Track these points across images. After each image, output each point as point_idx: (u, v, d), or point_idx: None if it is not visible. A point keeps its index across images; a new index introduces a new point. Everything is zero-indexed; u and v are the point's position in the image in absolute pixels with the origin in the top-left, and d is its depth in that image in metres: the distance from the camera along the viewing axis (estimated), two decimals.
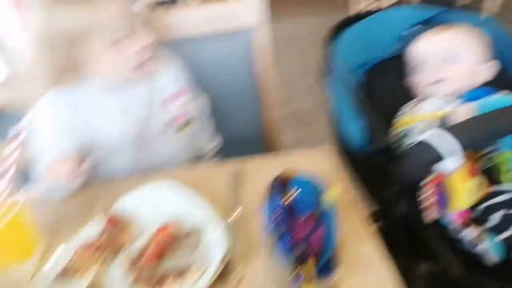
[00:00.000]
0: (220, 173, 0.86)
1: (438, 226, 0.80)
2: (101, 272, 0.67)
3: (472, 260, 0.76)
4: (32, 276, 0.66)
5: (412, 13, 1.07)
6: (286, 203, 0.63)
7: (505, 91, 0.91)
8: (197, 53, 1.11)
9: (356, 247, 0.67)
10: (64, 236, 0.74)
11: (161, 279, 0.63)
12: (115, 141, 0.94)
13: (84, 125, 0.93)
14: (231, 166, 0.87)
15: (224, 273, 0.64)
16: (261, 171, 0.83)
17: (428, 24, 1.04)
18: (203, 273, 0.63)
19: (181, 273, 0.63)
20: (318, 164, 0.83)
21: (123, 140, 0.95)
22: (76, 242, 0.72)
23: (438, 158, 0.72)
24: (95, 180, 0.90)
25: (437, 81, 0.94)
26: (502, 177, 0.82)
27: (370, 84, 1.06)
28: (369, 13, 1.12)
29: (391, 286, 0.61)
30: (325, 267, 0.59)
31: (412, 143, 0.84)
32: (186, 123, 1.00)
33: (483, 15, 1.15)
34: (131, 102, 0.94)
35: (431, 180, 0.78)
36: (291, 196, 0.65)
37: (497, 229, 0.76)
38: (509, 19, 2.40)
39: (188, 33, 1.09)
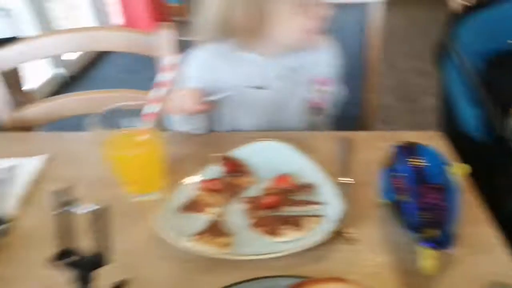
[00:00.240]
0: (332, 141, 0.88)
1: None
2: (221, 211, 0.72)
3: None
4: (159, 206, 0.72)
5: None
6: (415, 167, 0.64)
7: None
8: None
9: (474, 228, 0.67)
10: (186, 173, 0.79)
11: (278, 226, 0.66)
12: (246, 101, 0.98)
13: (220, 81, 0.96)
14: (342, 137, 0.89)
15: (337, 232, 0.66)
16: (371, 144, 0.85)
17: None
18: (317, 227, 0.66)
19: (297, 223, 0.66)
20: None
21: (255, 101, 0.98)
22: (198, 180, 0.77)
23: None
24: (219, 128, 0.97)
25: None
26: None
27: (488, 74, 1.02)
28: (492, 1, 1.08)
29: (510, 272, 0.61)
30: (445, 241, 0.60)
31: None
32: (318, 111, 1.02)
33: None
34: (277, 69, 0.96)
35: None
36: (420, 161, 0.65)
37: None
38: None
39: None
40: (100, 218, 0.47)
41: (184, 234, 0.66)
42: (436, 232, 0.57)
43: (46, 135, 1.06)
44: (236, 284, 0.59)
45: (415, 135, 0.90)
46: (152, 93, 0.72)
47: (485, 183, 0.89)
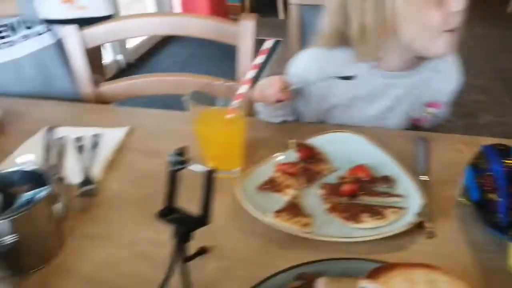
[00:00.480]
0: (407, 140, 0.89)
1: None
2: (297, 193, 0.74)
3: None
4: (238, 183, 0.75)
5: None
6: (510, 167, 0.63)
7: None
8: None
9: None
10: (263, 156, 0.82)
11: (356, 214, 0.68)
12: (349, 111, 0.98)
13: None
14: (418, 136, 0.89)
15: (417, 225, 0.67)
16: (448, 146, 0.85)
17: None
18: (399, 218, 0.67)
19: (378, 212, 0.67)
20: None
21: (358, 113, 0.98)
22: (275, 163, 0.79)
23: None
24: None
25: None
26: None
27: None
28: None
29: None
30: None
31: None
32: (417, 128, 1.00)
33: None
34: (398, 92, 0.93)
35: None
36: None
37: None
38: None
39: None
40: (208, 180, 0.50)
41: (264, 210, 0.69)
42: None
43: (126, 109, 1.12)
44: (314, 262, 0.60)
45: (497, 142, 0.89)
46: (248, 75, 0.75)
47: None
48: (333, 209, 0.70)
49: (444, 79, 0.95)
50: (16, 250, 0.61)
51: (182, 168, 0.51)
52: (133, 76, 1.27)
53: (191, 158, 0.52)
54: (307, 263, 0.60)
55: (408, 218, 0.66)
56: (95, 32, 1.18)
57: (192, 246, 0.58)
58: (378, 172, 0.77)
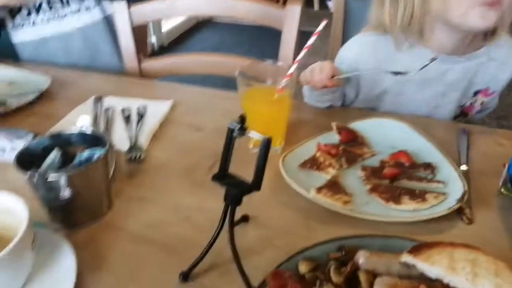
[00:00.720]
0: (448, 130, 0.90)
1: None
2: (338, 173, 0.76)
3: None
4: (280, 160, 0.77)
5: None
6: None
7: None
8: None
9: None
10: (304, 137, 0.84)
11: (397, 196, 0.69)
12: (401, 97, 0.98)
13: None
14: (460, 127, 0.90)
15: (457, 211, 0.68)
16: (490, 139, 0.85)
17: None
18: (439, 203, 0.68)
19: (419, 195, 0.69)
20: None
21: (410, 100, 0.97)
22: (316, 143, 0.81)
23: None
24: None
25: None
26: None
27: None
28: None
29: None
30: None
31: None
32: (465, 115, 1.01)
33: None
34: (449, 80, 0.92)
35: None
36: None
37: None
38: None
39: None
40: (265, 147, 0.52)
41: (305, 187, 0.71)
42: None
43: (169, 84, 1.16)
44: (354, 236, 0.62)
45: None
46: (300, 55, 0.77)
47: None
48: (374, 190, 0.71)
49: (499, 67, 0.94)
50: (71, 205, 0.65)
51: (242, 135, 0.53)
52: (175, 54, 1.31)
53: (246, 128, 0.55)
54: (348, 237, 0.62)
55: (448, 204, 0.67)
56: (143, 10, 1.21)
57: (236, 215, 0.61)
58: (420, 158, 0.78)
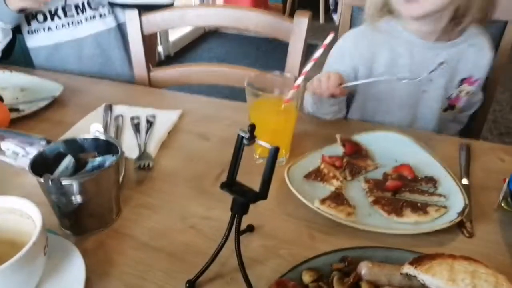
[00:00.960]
0: (450, 145, 0.91)
1: None
2: (341, 185, 0.77)
3: None
4: (285, 171, 0.79)
5: None
6: None
7: None
8: None
9: None
10: (308, 149, 0.86)
11: (399, 208, 0.71)
12: (386, 90, 1.03)
13: (370, 64, 1.03)
14: (462, 142, 0.92)
15: (457, 224, 0.69)
16: (491, 155, 0.87)
17: None
18: (440, 216, 0.69)
19: (421, 208, 0.70)
20: None
21: (395, 91, 1.02)
22: (320, 155, 0.83)
23: None
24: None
25: None
26: None
27: None
28: None
29: None
30: None
31: None
32: (452, 108, 1.05)
33: None
34: (431, 60, 0.98)
35: None
36: None
37: None
38: None
39: None
40: (272, 156, 0.54)
41: (309, 198, 0.72)
42: None
43: (178, 94, 1.18)
44: (357, 247, 0.64)
45: None
46: (306, 67, 0.79)
47: None
48: (377, 202, 0.73)
49: (478, 53, 1.00)
50: (82, 210, 0.66)
51: (251, 143, 0.55)
52: (184, 64, 1.33)
53: (254, 137, 0.56)
54: (350, 248, 0.63)
55: (450, 217, 0.68)
56: (154, 19, 1.24)
57: (242, 224, 0.62)
58: (422, 172, 0.79)
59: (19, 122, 0.98)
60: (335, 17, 3.87)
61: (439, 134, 1.01)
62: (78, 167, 0.70)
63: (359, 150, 0.85)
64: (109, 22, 1.31)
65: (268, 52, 3.67)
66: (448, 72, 1.00)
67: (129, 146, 0.89)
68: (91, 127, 0.79)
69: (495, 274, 0.52)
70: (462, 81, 1.01)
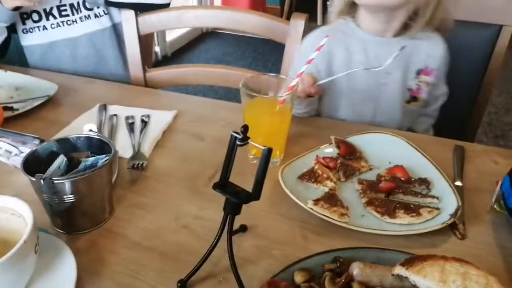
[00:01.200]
0: (443, 147, 0.91)
1: None
2: (335, 186, 0.77)
3: None
4: (279, 171, 0.79)
5: None
6: None
7: None
8: None
9: None
10: (301, 150, 0.86)
11: (392, 210, 0.71)
12: (349, 83, 1.05)
13: (328, 62, 1.06)
14: (455, 144, 0.92)
15: (450, 226, 0.69)
16: (485, 157, 0.87)
17: None
18: (433, 217, 0.69)
19: (413, 210, 0.70)
20: None
21: (357, 84, 1.05)
22: (314, 156, 0.83)
23: None
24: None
25: None
26: None
27: None
28: None
29: None
30: None
31: None
32: (415, 99, 1.07)
33: None
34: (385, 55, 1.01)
35: None
36: None
37: None
38: None
39: None
40: (265, 157, 0.54)
41: (303, 198, 0.72)
42: None
43: (173, 94, 1.18)
44: (349, 248, 0.64)
45: None
46: (301, 69, 0.80)
47: None
48: (370, 203, 0.73)
49: (430, 45, 1.04)
50: (74, 209, 0.66)
51: (244, 144, 0.55)
52: (180, 65, 1.33)
53: (247, 138, 0.56)
54: (343, 248, 0.63)
55: (442, 218, 0.69)
56: (150, 20, 1.24)
57: (235, 224, 0.62)
58: (415, 174, 0.79)
59: (13, 121, 0.97)
60: None
61: (433, 136, 1.02)
62: (71, 167, 0.70)
63: (353, 152, 0.85)
64: (104, 22, 1.31)
65: (266, 54, 3.68)
66: (403, 64, 1.03)
67: (123, 146, 0.89)
68: (84, 127, 0.79)
69: (486, 275, 0.53)
70: (419, 72, 1.05)
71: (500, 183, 0.72)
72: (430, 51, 1.04)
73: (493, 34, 1.12)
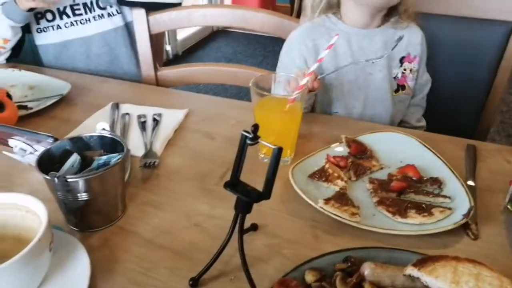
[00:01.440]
0: (456, 146, 0.91)
1: None
2: (346, 185, 0.77)
3: None
4: (290, 170, 0.79)
5: None
6: None
7: None
8: (447, 32, 1.14)
9: None
10: (311, 149, 0.86)
11: (404, 209, 0.70)
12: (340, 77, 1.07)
13: (315, 57, 1.05)
14: (468, 143, 0.91)
15: (462, 226, 0.69)
16: (498, 156, 0.86)
17: None
18: (445, 217, 0.69)
19: (425, 210, 0.70)
20: None
21: (347, 76, 1.07)
22: (325, 155, 0.83)
23: None
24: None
25: None
26: None
27: None
28: None
29: None
30: None
31: None
32: (403, 88, 1.10)
33: None
34: (368, 46, 1.06)
35: None
36: None
37: None
38: None
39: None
40: (276, 157, 0.54)
41: (314, 197, 0.72)
42: None
43: (185, 93, 1.18)
44: (360, 248, 0.64)
45: None
46: (312, 67, 0.80)
47: None
48: (381, 203, 0.73)
49: (409, 33, 1.08)
50: (87, 207, 0.67)
51: (255, 143, 0.55)
52: (191, 63, 1.34)
53: (258, 137, 0.56)
54: (354, 248, 0.63)
55: (454, 219, 0.68)
56: (161, 19, 1.25)
57: (246, 223, 0.62)
58: (427, 173, 0.79)
59: (27, 120, 0.99)
60: None
61: (444, 135, 1.01)
62: (84, 165, 0.71)
63: (364, 151, 0.85)
64: (117, 21, 1.32)
65: (276, 52, 3.67)
66: (393, 55, 1.07)
67: (135, 144, 0.90)
68: (97, 125, 0.79)
69: (500, 277, 0.52)
70: (403, 60, 1.09)
71: None
72: (410, 38, 1.08)
73: (506, 32, 1.11)
